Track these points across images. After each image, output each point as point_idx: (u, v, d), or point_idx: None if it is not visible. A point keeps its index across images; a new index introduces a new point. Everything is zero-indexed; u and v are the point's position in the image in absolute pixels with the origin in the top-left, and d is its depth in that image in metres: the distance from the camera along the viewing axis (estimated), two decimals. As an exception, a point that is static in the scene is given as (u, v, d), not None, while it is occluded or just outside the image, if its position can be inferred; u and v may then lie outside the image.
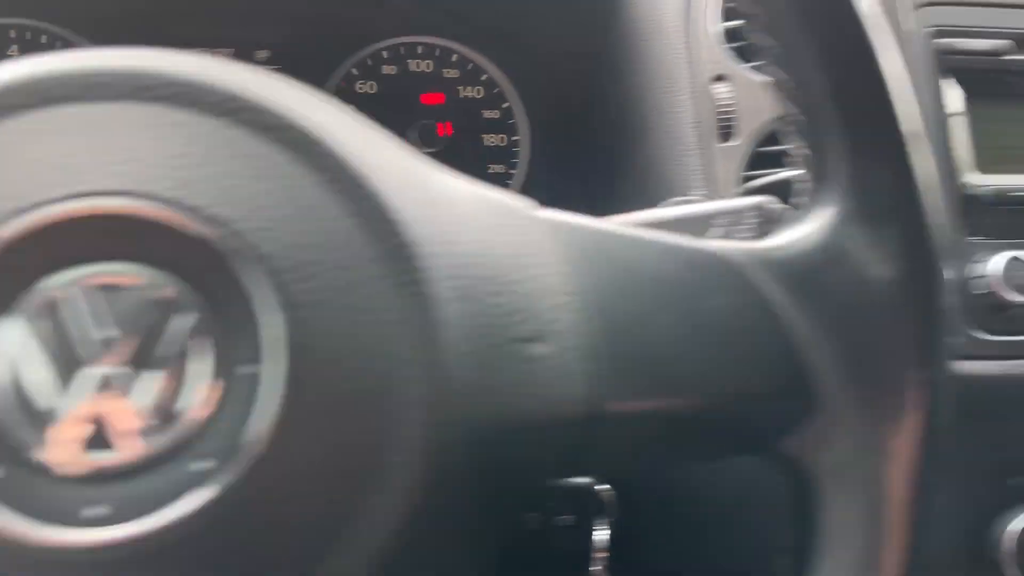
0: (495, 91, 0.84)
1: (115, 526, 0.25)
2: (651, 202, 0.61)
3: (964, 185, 0.65)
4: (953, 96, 0.67)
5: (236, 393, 0.27)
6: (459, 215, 0.31)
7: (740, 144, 0.66)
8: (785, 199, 0.64)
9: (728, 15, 0.69)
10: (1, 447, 0.26)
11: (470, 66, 0.83)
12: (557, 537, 0.57)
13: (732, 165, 0.66)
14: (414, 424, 0.28)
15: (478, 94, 0.83)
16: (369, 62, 0.83)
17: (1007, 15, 0.68)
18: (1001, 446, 0.67)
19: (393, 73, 0.83)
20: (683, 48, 0.69)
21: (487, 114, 0.84)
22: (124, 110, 0.28)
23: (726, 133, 0.66)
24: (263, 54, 0.81)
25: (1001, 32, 0.67)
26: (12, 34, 0.78)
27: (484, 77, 0.84)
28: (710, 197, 0.64)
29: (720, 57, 0.68)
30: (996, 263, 0.62)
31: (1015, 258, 0.62)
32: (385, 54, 0.83)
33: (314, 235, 0.28)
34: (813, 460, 0.36)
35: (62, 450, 0.26)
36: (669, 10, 0.70)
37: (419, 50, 0.83)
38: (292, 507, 0.27)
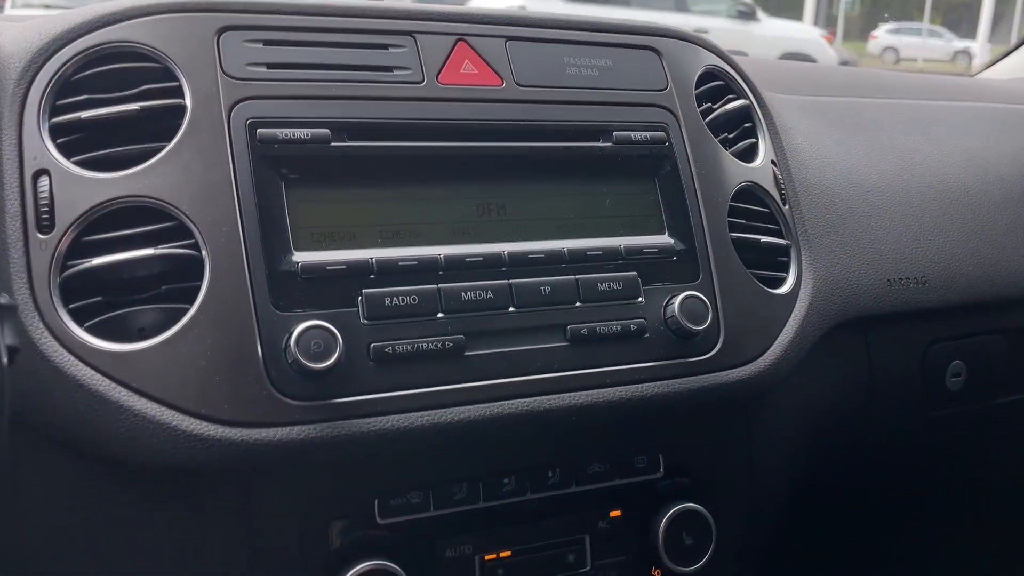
0: None
1: None
2: None
3: (283, 263, 0.70)
4: (274, 181, 0.72)
5: None
6: None
7: (55, 235, 0.67)
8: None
9: (55, 112, 0.71)
10: None
11: None
12: None
13: (47, 255, 0.67)
14: None
15: None
16: None
17: (322, 106, 0.75)
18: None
19: None
20: (14, 143, 0.70)
21: None
22: None
23: (46, 225, 0.68)
24: None
25: (317, 121, 0.74)
26: None
27: None
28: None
29: (42, 152, 0.69)
30: (298, 334, 0.67)
31: (315, 327, 0.67)
32: None
33: None
34: None
35: None
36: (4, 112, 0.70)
37: None
38: None
